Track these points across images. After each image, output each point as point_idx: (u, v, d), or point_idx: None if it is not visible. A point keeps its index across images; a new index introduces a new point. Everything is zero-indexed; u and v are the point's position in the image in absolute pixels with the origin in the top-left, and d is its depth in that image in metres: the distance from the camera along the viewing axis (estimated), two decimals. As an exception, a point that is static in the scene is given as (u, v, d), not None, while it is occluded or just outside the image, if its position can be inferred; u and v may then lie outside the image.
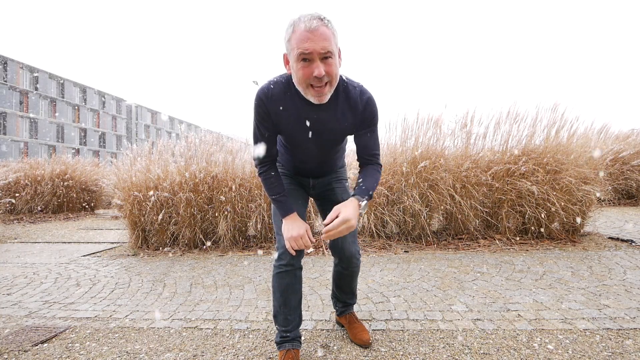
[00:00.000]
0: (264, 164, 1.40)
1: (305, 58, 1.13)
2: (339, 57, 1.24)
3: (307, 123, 1.31)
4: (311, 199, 1.72)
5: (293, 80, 1.24)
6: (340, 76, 1.30)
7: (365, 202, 1.31)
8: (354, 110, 1.32)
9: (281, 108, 1.29)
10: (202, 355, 1.57)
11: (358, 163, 1.48)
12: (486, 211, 3.52)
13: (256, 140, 1.37)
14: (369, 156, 1.43)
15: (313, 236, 3.99)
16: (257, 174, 1.50)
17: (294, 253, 1.37)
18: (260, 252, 3.46)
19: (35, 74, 37.45)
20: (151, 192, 3.62)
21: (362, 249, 3.33)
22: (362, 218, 3.62)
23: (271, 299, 1.47)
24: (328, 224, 1.24)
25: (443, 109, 3.75)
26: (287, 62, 1.24)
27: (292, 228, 1.36)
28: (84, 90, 44.35)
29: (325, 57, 1.14)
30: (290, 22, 1.15)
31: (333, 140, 1.39)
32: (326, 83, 1.18)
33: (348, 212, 1.23)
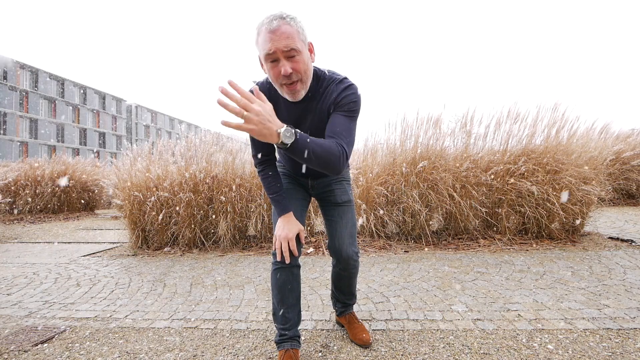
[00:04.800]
0: (262, 163, 1.43)
1: (272, 59, 1.14)
2: (311, 51, 1.23)
3: (295, 120, 1.33)
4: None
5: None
6: (324, 71, 1.31)
7: (287, 129, 1.02)
8: (331, 96, 1.28)
9: None
10: (202, 355, 1.57)
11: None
12: (486, 211, 3.52)
13: (252, 141, 1.40)
14: (332, 135, 1.20)
15: (312, 236, 3.95)
16: (257, 173, 1.51)
17: (279, 257, 1.36)
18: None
19: (35, 73, 37.46)
20: (153, 198, 3.62)
21: (362, 249, 3.33)
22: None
23: (271, 299, 1.47)
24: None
25: (443, 108, 3.75)
26: (262, 64, 1.24)
27: (284, 227, 1.37)
28: (84, 90, 44.35)
29: (290, 55, 1.14)
30: (256, 25, 1.16)
31: (324, 136, 1.38)
32: (297, 80, 1.18)
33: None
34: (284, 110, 1.31)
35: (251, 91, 1.09)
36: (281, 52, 1.12)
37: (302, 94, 1.23)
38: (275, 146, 1.27)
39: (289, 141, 1.01)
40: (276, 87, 1.24)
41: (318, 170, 1.54)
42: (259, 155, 1.41)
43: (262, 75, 1.32)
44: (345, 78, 1.30)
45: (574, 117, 3.61)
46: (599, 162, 3.64)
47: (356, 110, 1.26)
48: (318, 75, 1.30)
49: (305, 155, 1.06)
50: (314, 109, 1.31)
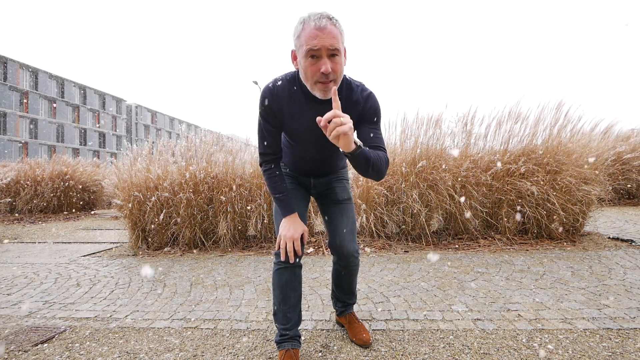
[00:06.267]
0: (269, 162, 1.43)
1: (314, 55, 1.16)
2: (345, 56, 1.26)
3: (311, 120, 1.31)
4: (312, 198, 1.72)
5: (300, 77, 1.27)
6: (344, 75, 1.33)
7: (360, 144, 1.16)
8: (356, 107, 1.33)
9: (285, 106, 1.31)
10: (202, 355, 1.57)
11: None
12: (486, 211, 3.52)
13: (261, 138, 1.40)
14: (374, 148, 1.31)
15: (313, 236, 3.95)
16: (261, 172, 1.51)
17: (283, 257, 1.37)
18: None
19: (35, 73, 37.45)
20: (153, 198, 3.62)
21: (362, 249, 3.33)
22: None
23: (271, 299, 1.47)
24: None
25: (443, 108, 3.75)
26: (294, 59, 1.26)
27: (289, 228, 1.38)
28: (84, 90, 44.36)
29: (333, 54, 1.17)
30: (300, 19, 1.19)
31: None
32: (332, 80, 1.20)
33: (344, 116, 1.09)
34: (303, 107, 1.31)
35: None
36: (325, 50, 1.15)
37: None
38: (282, 145, 1.34)
39: (361, 145, 1.14)
40: (307, 84, 1.24)
41: (320, 170, 1.55)
42: (266, 155, 1.41)
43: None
44: (364, 85, 1.36)
45: (576, 117, 3.62)
46: (599, 163, 3.64)
47: (380, 116, 1.38)
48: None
49: (369, 160, 1.17)
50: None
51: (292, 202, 1.43)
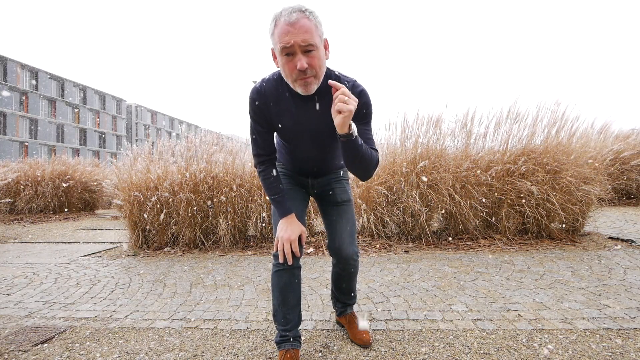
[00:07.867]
0: (263, 163, 1.41)
1: (288, 52, 1.13)
2: (326, 48, 1.22)
3: (301, 119, 1.31)
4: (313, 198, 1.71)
5: (282, 75, 1.24)
6: (333, 71, 1.30)
7: (355, 129, 1.18)
8: None
9: (274, 105, 1.29)
10: (202, 355, 1.57)
11: None
12: (486, 211, 3.52)
13: (254, 140, 1.39)
14: None
15: (312, 236, 3.95)
16: (257, 173, 1.50)
17: (281, 259, 1.35)
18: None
19: (35, 73, 37.45)
20: (153, 198, 3.62)
21: (362, 249, 3.33)
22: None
23: (271, 299, 1.47)
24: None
25: (443, 108, 3.75)
26: (275, 57, 1.23)
27: (287, 229, 1.36)
28: (84, 90, 44.36)
29: (308, 50, 1.12)
30: (273, 16, 1.15)
31: (328, 135, 1.35)
32: (311, 75, 1.17)
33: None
34: (291, 106, 1.29)
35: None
36: (299, 47, 1.11)
37: (314, 87, 1.20)
38: (277, 145, 1.31)
39: (355, 133, 1.17)
40: (288, 82, 1.21)
41: (316, 169, 1.54)
42: (259, 156, 1.40)
43: (273, 68, 1.30)
44: (356, 81, 1.31)
45: (574, 116, 3.62)
46: (598, 162, 3.64)
47: (372, 114, 1.34)
48: (328, 75, 1.29)
49: (358, 151, 1.20)
50: (320, 108, 1.29)
51: (289, 203, 1.41)
